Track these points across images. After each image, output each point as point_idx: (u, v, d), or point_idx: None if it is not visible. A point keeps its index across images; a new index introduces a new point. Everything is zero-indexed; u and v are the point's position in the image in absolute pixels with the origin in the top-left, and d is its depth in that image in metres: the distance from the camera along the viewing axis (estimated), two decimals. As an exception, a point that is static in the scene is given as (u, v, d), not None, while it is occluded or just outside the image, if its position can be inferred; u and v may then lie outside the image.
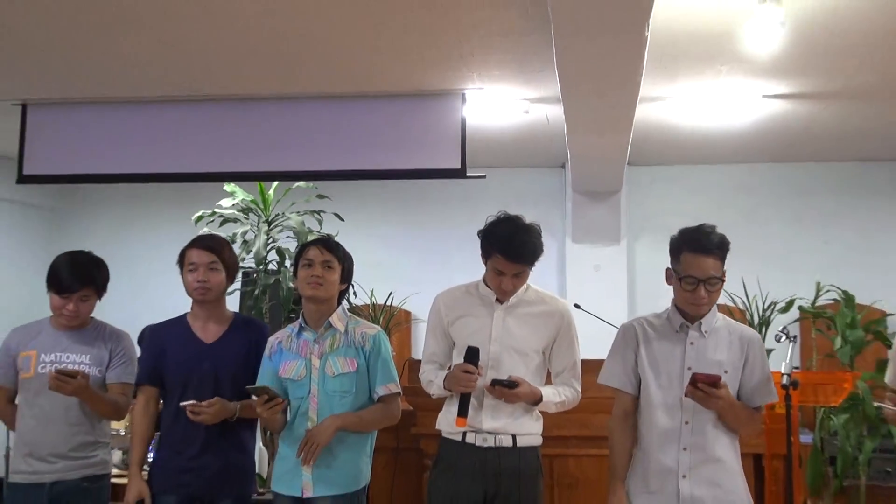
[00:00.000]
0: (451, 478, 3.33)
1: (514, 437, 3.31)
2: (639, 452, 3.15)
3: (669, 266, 3.16)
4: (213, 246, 3.56)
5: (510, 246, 3.29)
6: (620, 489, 3.13)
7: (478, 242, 3.45)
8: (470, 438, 3.31)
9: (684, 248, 3.09)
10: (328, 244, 3.50)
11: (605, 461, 3.28)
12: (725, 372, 3.06)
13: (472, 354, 3.26)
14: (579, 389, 3.44)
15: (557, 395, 3.36)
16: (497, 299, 3.42)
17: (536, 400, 3.31)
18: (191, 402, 3.33)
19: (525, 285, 3.43)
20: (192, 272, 3.53)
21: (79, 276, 3.58)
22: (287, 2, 4.08)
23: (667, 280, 3.20)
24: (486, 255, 3.37)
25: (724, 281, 3.11)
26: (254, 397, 3.29)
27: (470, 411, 3.28)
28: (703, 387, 2.95)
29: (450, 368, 3.40)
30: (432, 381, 3.43)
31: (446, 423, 3.40)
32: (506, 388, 3.21)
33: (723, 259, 3.09)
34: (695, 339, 3.13)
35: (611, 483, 3.17)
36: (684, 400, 3.05)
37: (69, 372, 3.41)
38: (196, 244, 3.57)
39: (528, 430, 3.36)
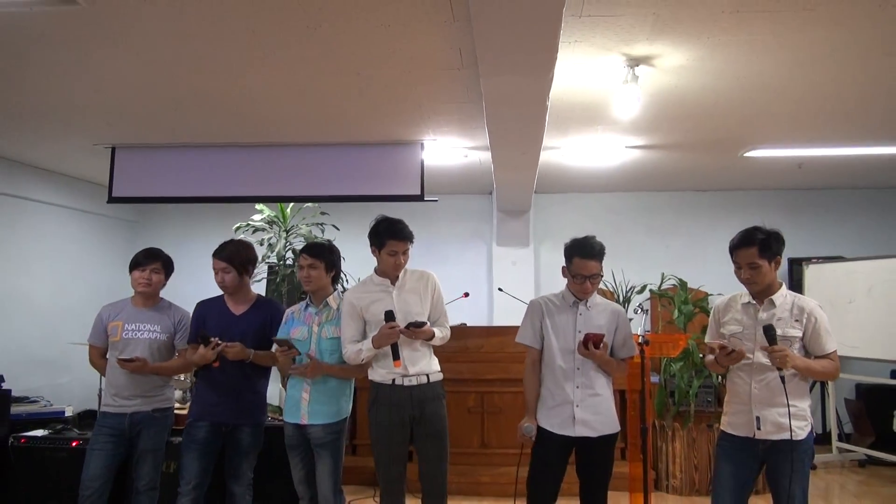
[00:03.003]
0: (386, 410, 3.25)
1: (427, 375, 3.28)
2: (544, 389, 3.19)
3: (564, 266, 3.20)
4: (224, 255, 3.53)
5: (395, 230, 3.28)
6: (530, 415, 3.17)
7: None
8: (398, 381, 3.24)
9: (575, 254, 3.12)
10: (311, 251, 3.48)
11: (521, 396, 3.31)
12: (603, 335, 3.11)
13: (389, 315, 3.20)
14: (449, 328, 3.40)
15: (440, 332, 3.33)
16: (391, 283, 3.33)
17: (431, 335, 3.28)
18: (216, 338, 3.35)
19: (404, 269, 3.36)
20: (215, 274, 3.54)
21: (149, 254, 3.63)
22: (305, 87, 4.04)
23: (563, 275, 3.23)
24: (381, 245, 3.29)
25: (602, 276, 3.17)
26: (276, 347, 3.29)
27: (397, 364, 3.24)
28: (590, 346, 3.02)
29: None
30: (360, 349, 3.26)
31: (378, 375, 3.29)
32: (417, 328, 3.19)
33: (601, 260, 3.14)
34: (583, 311, 3.18)
35: (526, 412, 3.21)
36: (576, 353, 3.11)
37: (128, 359, 3.44)
38: (216, 254, 3.55)
39: (435, 369, 3.33)
